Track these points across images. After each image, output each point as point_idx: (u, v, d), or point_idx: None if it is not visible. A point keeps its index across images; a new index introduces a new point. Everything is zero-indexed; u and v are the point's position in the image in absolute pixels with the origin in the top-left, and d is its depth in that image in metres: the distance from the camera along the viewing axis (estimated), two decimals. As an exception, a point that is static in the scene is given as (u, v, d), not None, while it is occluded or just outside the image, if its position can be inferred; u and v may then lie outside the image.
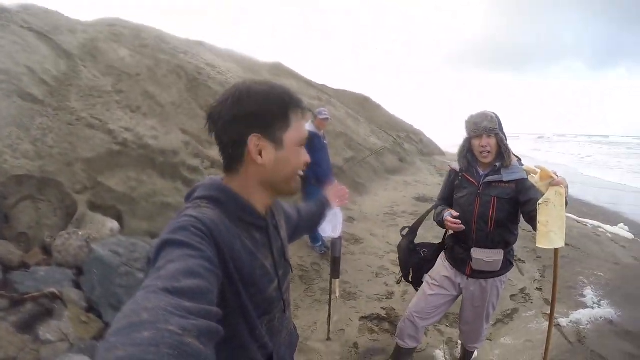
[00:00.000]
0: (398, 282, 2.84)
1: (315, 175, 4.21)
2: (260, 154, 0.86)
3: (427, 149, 15.62)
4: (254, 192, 0.91)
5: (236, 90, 0.87)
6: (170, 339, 0.47)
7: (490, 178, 2.13)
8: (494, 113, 2.12)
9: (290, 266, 1.07)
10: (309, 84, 11.86)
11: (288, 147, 0.90)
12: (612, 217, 8.30)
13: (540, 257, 5.28)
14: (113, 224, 3.58)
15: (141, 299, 0.54)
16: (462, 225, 2.10)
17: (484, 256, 2.16)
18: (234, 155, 0.88)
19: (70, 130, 3.87)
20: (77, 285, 3.00)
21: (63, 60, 4.28)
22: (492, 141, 2.09)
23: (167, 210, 4.29)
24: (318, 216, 1.46)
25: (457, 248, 2.29)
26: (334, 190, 1.54)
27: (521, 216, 2.14)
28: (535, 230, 1.87)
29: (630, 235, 6.90)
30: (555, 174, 1.71)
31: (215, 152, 6.04)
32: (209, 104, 6.97)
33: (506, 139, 2.13)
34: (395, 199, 8.37)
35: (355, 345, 3.10)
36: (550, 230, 1.68)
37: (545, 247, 1.72)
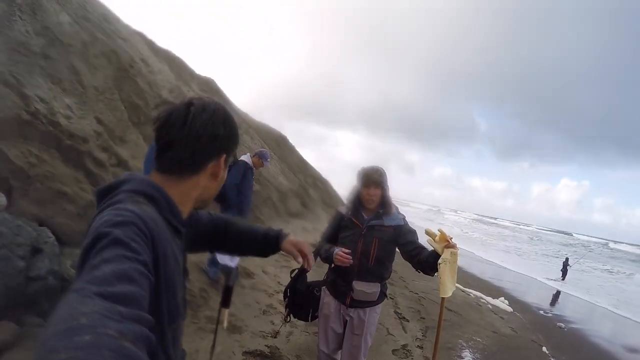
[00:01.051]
0: (288, 321, 2.97)
1: (239, 204, 4.28)
2: (219, 173, 0.95)
3: (330, 200, 16.28)
4: (187, 201, 0.93)
5: (217, 108, 0.94)
6: (110, 342, 0.48)
7: (373, 222, 2.49)
8: (382, 168, 2.55)
9: (188, 275, 1.04)
10: (232, 109, 11.87)
11: (226, 169, 1.01)
12: (494, 291, 9.40)
13: (423, 318, 5.77)
14: (1, 198, 3.13)
15: (76, 303, 0.53)
16: (351, 260, 2.39)
17: (365, 288, 2.48)
18: (194, 164, 0.91)
19: (-17, 80, 3.37)
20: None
21: (1, 3, 3.77)
22: (378, 192, 2.48)
23: (61, 200, 3.85)
24: (257, 245, 1.32)
25: (339, 281, 2.57)
26: (299, 246, 1.33)
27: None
28: (414, 267, 2.41)
29: (509, 309, 7.94)
30: (450, 238, 2.15)
31: (124, 151, 5.68)
32: (131, 99, 6.62)
33: (389, 191, 2.54)
34: (293, 242, 8.54)
35: (235, 379, 3.04)
36: (447, 283, 2.10)
37: (445, 296, 2.15)
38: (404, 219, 2.58)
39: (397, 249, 2.60)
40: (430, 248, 2.25)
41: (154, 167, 0.93)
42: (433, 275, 2.30)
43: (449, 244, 2.13)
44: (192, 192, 0.93)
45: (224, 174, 0.98)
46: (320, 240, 2.71)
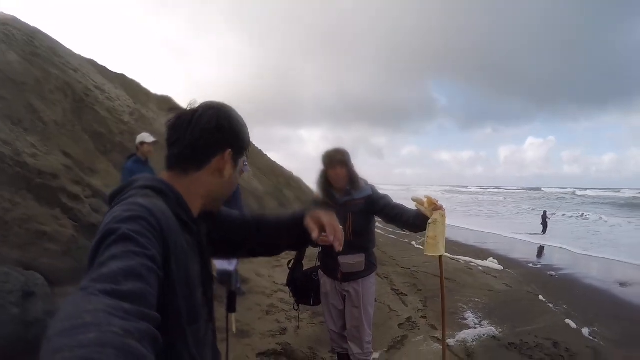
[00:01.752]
0: (296, 309, 3.06)
1: None
2: (224, 168, 0.94)
3: (305, 196, 16.36)
4: (193, 198, 0.92)
5: (224, 106, 0.96)
6: (115, 340, 0.47)
7: (344, 199, 2.64)
8: (344, 148, 2.66)
9: (213, 277, 1.02)
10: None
11: (237, 171, 1.00)
12: (482, 254, 9.64)
13: (420, 290, 5.94)
14: (-18, 249, 3.03)
15: (81, 301, 0.53)
16: (332, 238, 2.52)
17: (349, 260, 2.62)
18: (198, 159, 0.91)
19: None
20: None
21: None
22: (344, 171, 2.59)
23: (42, 240, 3.76)
24: (291, 235, 1.16)
25: (327, 259, 2.74)
26: (319, 219, 1.10)
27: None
28: (400, 227, 2.59)
29: (499, 267, 8.21)
30: (437, 201, 2.31)
31: (97, 181, 5.55)
32: (93, 129, 6.46)
33: (354, 168, 2.66)
34: (277, 241, 8.60)
35: (256, 381, 3.06)
36: (438, 242, 2.27)
37: (434, 255, 2.32)
38: (372, 188, 2.69)
39: (376, 217, 2.75)
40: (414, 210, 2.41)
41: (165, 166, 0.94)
42: (417, 232, 2.53)
43: (436, 207, 2.28)
44: (197, 189, 0.92)
45: (232, 171, 0.96)
46: None
